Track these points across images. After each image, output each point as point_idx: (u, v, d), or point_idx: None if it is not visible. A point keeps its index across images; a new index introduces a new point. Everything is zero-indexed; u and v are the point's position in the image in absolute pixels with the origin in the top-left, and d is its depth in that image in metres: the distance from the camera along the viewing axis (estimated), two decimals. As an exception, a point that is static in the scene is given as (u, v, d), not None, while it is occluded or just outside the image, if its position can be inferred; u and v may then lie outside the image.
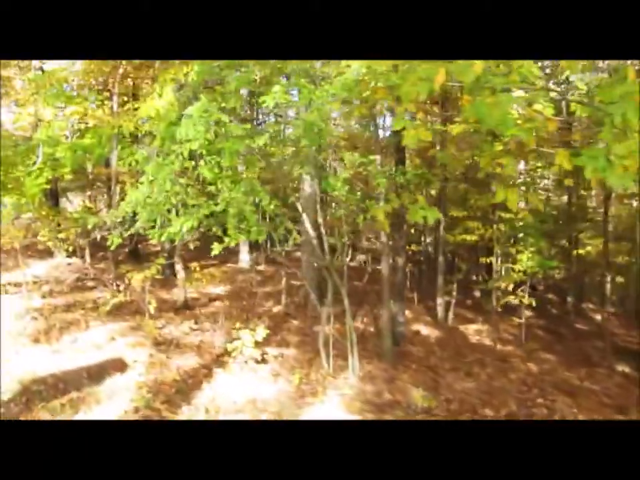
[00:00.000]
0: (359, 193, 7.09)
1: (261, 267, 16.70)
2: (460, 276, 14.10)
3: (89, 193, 15.57)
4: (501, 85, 3.78)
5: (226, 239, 6.00)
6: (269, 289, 14.21)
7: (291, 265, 13.60)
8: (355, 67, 5.10)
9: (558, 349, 12.65)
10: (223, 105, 5.64)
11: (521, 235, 13.45)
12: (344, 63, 5.34)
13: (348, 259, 8.08)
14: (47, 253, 13.90)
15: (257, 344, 7.98)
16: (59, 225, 12.67)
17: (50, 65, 15.11)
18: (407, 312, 12.36)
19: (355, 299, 9.14)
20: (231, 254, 18.42)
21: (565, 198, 18.54)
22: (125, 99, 13.62)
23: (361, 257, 18.31)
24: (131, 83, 15.38)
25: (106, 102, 12.20)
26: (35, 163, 10.52)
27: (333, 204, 7.90)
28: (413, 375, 8.89)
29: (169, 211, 5.65)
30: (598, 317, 16.69)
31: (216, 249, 6.11)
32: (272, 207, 5.89)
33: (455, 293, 13.38)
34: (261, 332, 7.86)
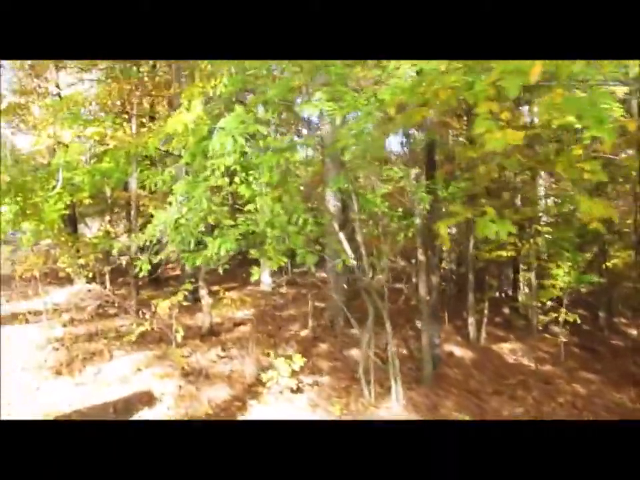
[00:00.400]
0: (400, 209, 6.50)
1: (283, 289, 16.11)
2: (492, 293, 13.40)
3: (108, 217, 15.11)
4: (597, 78, 3.23)
5: (267, 263, 5.41)
6: (293, 311, 13.60)
7: (314, 286, 13.04)
8: (405, 69, 4.57)
9: (597, 368, 11.91)
10: (259, 115, 5.11)
11: (548, 249, 12.82)
12: (392, 65, 4.79)
13: (386, 279, 7.47)
14: (67, 280, 13.38)
15: (293, 373, 7.37)
16: (78, 250, 12.20)
17: (67, 90, 14.82)
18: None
19: (381, 319, 8.57)
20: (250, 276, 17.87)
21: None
22: (143, 120, 13.19)
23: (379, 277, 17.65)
24: (148, 106, 15.02)
25: (124, 124, 11.74)
26: (54, 188, 10.07)
27: (371, 222, 7.33)
28: (455, 401, 8.24)
29: (202, 232, 5.07)
30: (632, 332, 15.92)
31: (255, 273, 5.52)
32: (313, 227, 5.30)
33: (486, 311, 12.68)
34: (298, 361, 7.25)
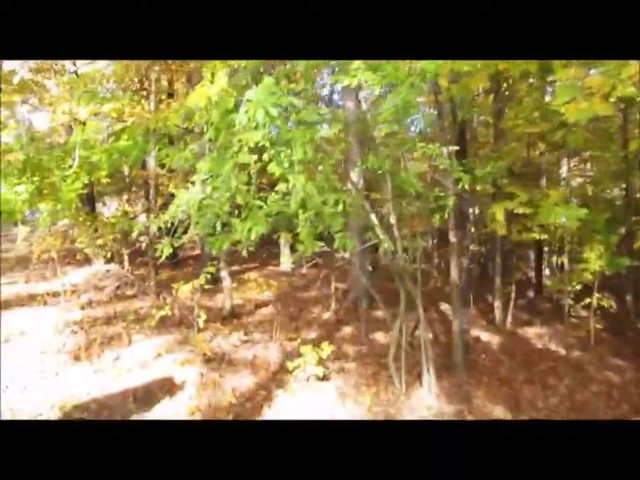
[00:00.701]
0: (437, 189, 5.99)
1: (303, 270, 15.67)
2: (518, 276, 12.84)
3: (126, 196, 14.66)
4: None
5: (299, 247, 4.91)
6: (314, 293, 13.17)
7: (334, 267, 12.57)
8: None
9: (626, 354, 11.38)
10: (292, 85, 4.60)
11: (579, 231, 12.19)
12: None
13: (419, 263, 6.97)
14: (85, 260, 13.02)
15: (320, 360, 6.95)
16: (96, 230, 11.83)
17: (84, 68, 14.37)
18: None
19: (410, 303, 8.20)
20: (269, 257, 17.45)
21: (616, 191, 17.23)
22: (162, 97, 12.68)
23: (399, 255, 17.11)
24: (166, 83, 14.52)
25: (142, 101, 11.25)
26: (70, 167, 9.69)
27: (403, 202, 6.80)
28: (488, 390, 7.78)
29: (230, 213, 4.57)
30: (659, 316, 15.30)
31: (291, 258, 5.01)
32: (348, 208, 4.78)
33: (513, 295, 12.15)
34: (327, 349, 6.82)
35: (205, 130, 5.76)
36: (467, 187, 5.87)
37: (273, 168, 4.45)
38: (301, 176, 4.30)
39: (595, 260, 10.52)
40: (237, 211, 5.00)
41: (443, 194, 6.64)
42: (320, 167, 5.28)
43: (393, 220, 6.06)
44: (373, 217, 6.15)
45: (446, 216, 6.36)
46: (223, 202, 4.41)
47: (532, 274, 17.54)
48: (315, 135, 4.32)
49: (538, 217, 3.80)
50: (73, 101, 9.20)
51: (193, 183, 5.19)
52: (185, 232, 5.29)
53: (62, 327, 8.48)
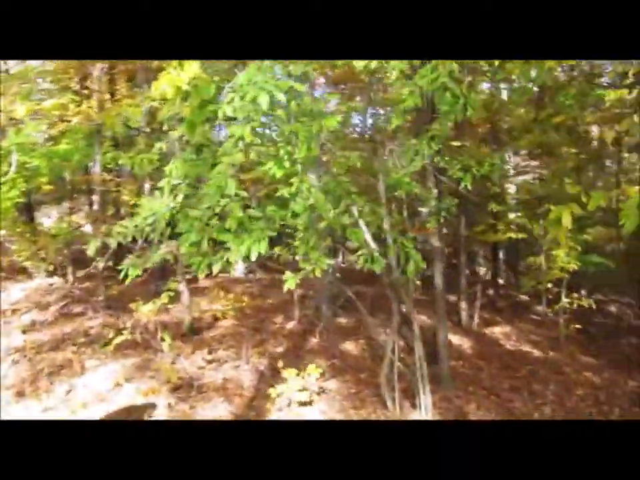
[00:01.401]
0: (435, 191, 5.18)
1: (257, 275, 14.63)
2: (488, 277, 12.30)
3: (68, 205, 13.18)
4: None
5: (307, 267, 3.94)
6: (272, 300, 12.15)
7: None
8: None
9: (594, 351, 10.98)
10: (291, 67, 3.65)
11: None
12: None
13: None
14: (25, 275, 11.58)
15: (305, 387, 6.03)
16: (35, 242, 10.52)
17: (16, 68, 12.93)
18: (425, 317, 10.63)
19: (365, 306, 7.43)
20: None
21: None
22: (106, 97, 11.42)
23: (351, 258, 16.32)
24: (107, 81, 13.20)
25: (85, 101, 10.02)
26: (7, 173, 8.44)
27: (393, 205, 5.92)
28: (479, 403, 7.08)
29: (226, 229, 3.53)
30: (612, 309, 15.10)
31: (290, 281, 4.03)
32: (370, 217, 3.88)
33: (479, 294, 11.53)
34: (314, 372, 5.91)
35: (165, 127, 4.82)
36: (469, 187, 5.11)
37: (273, 169, 3.48)
38: (306, 177, 3.39)
39: (562, 258, 10.02)
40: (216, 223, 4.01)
41: (434, 195, 5.86)
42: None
43: (386, 225, 5.20)
44: (361, 222, 5.24)
45: (442, 220, 5.58)
46: (210, 214, 3.41)
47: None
48: (323, 128, 3.41)
49: (622, 222, 3.09)
50: (8, 97, 7.95)
51: (159, 189, 4.19)
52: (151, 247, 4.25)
53: (1, 356, 7.23)
